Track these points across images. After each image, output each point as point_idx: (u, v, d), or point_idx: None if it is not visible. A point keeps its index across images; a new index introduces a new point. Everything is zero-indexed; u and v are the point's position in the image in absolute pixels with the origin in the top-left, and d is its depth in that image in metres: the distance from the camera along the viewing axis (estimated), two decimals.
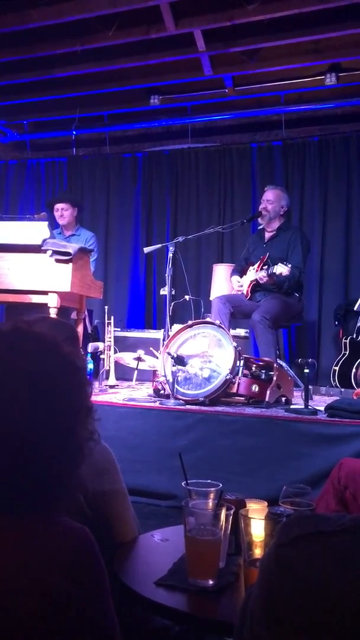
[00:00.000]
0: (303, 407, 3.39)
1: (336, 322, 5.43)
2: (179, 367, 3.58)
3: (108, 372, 4.55)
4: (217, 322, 3.89)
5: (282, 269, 4.08)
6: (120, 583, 1.16)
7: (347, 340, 4.89)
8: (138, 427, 3.44)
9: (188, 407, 3.48)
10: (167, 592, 1.14)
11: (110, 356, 4.58)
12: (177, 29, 4.61)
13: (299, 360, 3.66)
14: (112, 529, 1.32)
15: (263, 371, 3.65)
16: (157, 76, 5.60)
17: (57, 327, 1.53)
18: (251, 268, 4.62)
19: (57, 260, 3.77)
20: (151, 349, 4.54)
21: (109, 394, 4.09)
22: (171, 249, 4.43)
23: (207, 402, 3.53)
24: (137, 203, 6.65)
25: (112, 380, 4.52)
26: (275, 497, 1.37)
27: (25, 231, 3.93)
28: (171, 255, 4.41)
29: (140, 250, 6.28)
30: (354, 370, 4.65)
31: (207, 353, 3.66)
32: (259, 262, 4.54)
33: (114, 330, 4.83)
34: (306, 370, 3.41)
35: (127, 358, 4.55)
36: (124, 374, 4.79)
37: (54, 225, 5.13)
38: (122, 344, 4.99)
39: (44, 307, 3.77)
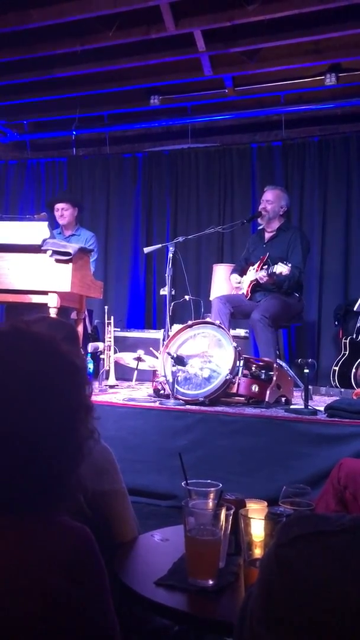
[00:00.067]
0: (303, 407, 3.39)
1: (336, 322, 5.44)
2: (179, 367, 3.58)
3: (108, 372, 4.55)
4: (217, 322, 3.89)
5: (282, 269, 4.08)
6: (120, 583, 1.16)
7: (347, 341, 4.89)
8: (138, 427, 3.44)
9: (188, 407, 3.48)
10: (167, 592, 1.14)
11: (110, 356, 4.58)
12: (177, 29, 4.61)
13: (299, 360, 3.66)
14: (112, 529, 1.32)
15: (263, 371, 3.65)
16: (157, 76, 5.60)
17: (56, 326, 1.53)
18: (251, 268, 4.62)
19: (57, 260, 3.77)
20: (151, 349, 4.54)
21: (109, 394, 4.09)
22: (171, 249, 4.43)
23: (207, 402, 3.53)
24: (137, 203, 6.65)
25: (112, 380, 4.52)
26: (275, 497, 1.37)
27: (25, 231, 3.93)
28: (171, 255, 4.41)
29: (140, 250, 6.28)
30: (353, 370, 4.66)
31: (207, 353, 3.66)
32: (258, 262, 4.54)
33: (114, 330, 4.83)
34: (306, 371, 3.42)
35: (127, 358, 4.55)
36: (123, 374, 4.79)
37: (54, 225, 5.13)
38: (122, 344, 4.99)
39: (44, 307, 3.77)
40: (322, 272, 5.92)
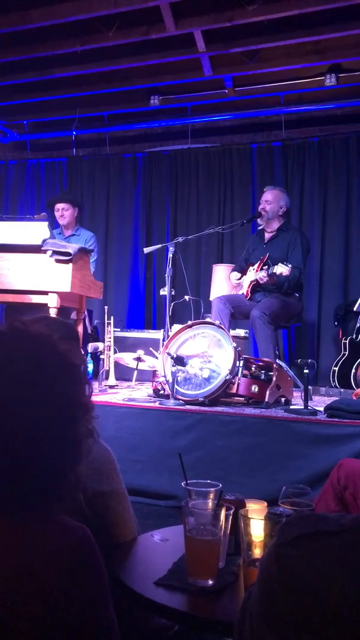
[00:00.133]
0: (302, 407, 3.39)
1: (336, 323, 5.44)
2: (179, 367, 3.58)
3: (108, 372, 4.55)
4: (217, 322, 3.89)
5: (282, 269, 4.08)
6: (119, 583, 1.16)
7: (347, 341, 4.89)
8: (138, 427, 3.44)
9: (188, 407, 3.48)
10: (167, 592, 1.14)
11: (110, 356, 4.58)
12: (178, 29, 4.61)
13: (299, 360, 3.67)
14: (112, 529, 1.32)
15: (263, 371, 3.65)
16: (157, 76, 5.60)
17: (54, 325, 1.53)
18: (251, 268, 4.62)
19: (57, 261, 3.77)
20: (151, 349, 4.54)
21: (109, 394, 4.08)
22: (171, 249, 4.43)
23: (207, 403, 3.53)
24: (137, 203, 6.66)
25: (111, 380, 4.52)
26: (274, 497, 1.37)
27: (25, 231, 3.93)
28: (171, 255, 4.41)
29: (140, 250, 6.29)
30: (353, 370, 4.66)
31: (207, 353, 3.66)
32: (259, 263, 4.54)
33: (114, 331, 4.83)
34: (306, 371, 3.41)
35: (127, 358, 4.55)
36: (123, 374, 4.79)
37: (54, 225, 5.13)
38: (121, 344, 4.99)
39: (44, 307, 3.77)
40: (322, 273, 5.92)
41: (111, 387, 4.43)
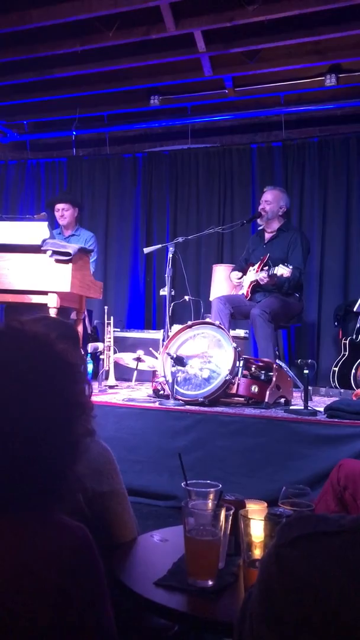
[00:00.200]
0: (302, 407, 3.39)
1: (336, 323, 5.44)
2: (179, 367, 3.57)
3: (107, 372, 4.55)
4: (217, 322, 3.89)
5: (283, 271, 4.07)
6: (119, 583, 1.16)
7: (347, 341, 4.89)
8: (137, 427, 3.44)
9: (187, 407, 3.48)
10: (167, 592, 1.14)
11: (109, 356, 4.58)
12: (178, 29, 4.61)
13: (299, 361, 3.66)
14: (112, 530, 1.32)
15: (262, 372, 3.65)
16: (157, 76, 5.60)
17: (52, 325, 1.53)
18: (251, 269, 4.62)
19: (57, 261, 3.77)
20: (151, 349, 4.54)
21: (109, 394, 4.08)
22: (171, 249, 4.43)
23: (207, 403, 3.52)
24: (137, 203, 6.66)
25: (111, 380, 4.52)
26: (274, 497, 1.37)
27: (25, 231, 3.93)
28: (171, 255, 4.41)
29: (140, 250, 6.29)
30: (353, 371, 4.66)
31: (207, 353, 3.66)
32: (259, 263, 4.54)
33: (114, 331, 4.83)
34: (306, 371, 3.41)
35: (127, 358, 4.55)
36: (123, 374, 4.79)
37: (53, 225, 5.13)
38: (121, 345, 4.99)
39: (44, 307, 3.77)
40: (322, 273, 5.92)
41: (111, 387, 4.43)
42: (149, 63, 5.23)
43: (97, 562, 0.88)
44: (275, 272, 4.15)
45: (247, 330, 4.87)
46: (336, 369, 4.80)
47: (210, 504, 1.27)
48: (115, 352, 4.69)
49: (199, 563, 1.17)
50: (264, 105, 6.06)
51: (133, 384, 4.51)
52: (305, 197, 6.03)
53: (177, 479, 2.91)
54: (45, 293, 3.79)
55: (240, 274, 4.75)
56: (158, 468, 3.28)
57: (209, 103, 6.15)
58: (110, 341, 4.65)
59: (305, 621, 0.63)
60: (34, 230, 3.90)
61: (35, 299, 3.85)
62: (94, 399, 1.39)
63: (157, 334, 5.21)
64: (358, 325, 4.94)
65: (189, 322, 3.93)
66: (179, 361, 3.56)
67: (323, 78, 5.50)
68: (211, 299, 4.86)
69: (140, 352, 4.44)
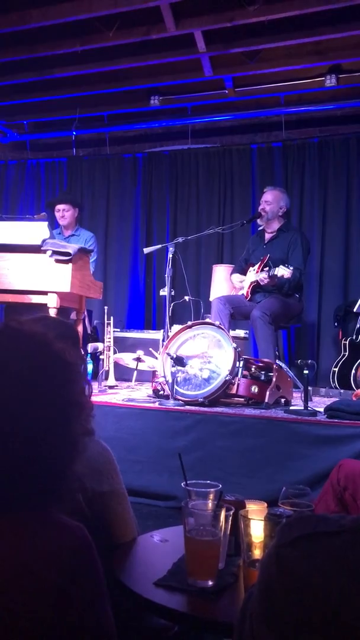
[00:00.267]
0: (302, 408, 3.39)
1: (336, 324, 5.43)
2: (179, 367, 3.57)
3: (107, 372, 4.55)
4: (217, 322, 3.89)
5: (283, 271, 4.07)
6: (119, 583, 1.16)
7: (347, 342, 4.89)
8: (137, 427, 3.44)
9: (187, 407, 3.48)
10: (167, 592, 1.14)
11: (109, 357, 4.58)
12: (178, 29, 4.61)
13: (299, 361, 3.66)
14: (112, 530, 1.32)
15: (262, 372, 3.65)
16: (157, 76, 5.61)
17: (52, 325, 1.53)
18: (251, 269, 4.61)
19: (57, 261, 3.77)
20: (151, 349, 4.54)
21: (108, 394, 4.08)
22: (171, 249, 4.43)
23: (207, 403, 3.52)
24: (137, 203, 6.66)
25: (111, 380, 4.52)
26: (274, 498, 1.37)
27: (25, 231, 3.93)
28: (171, 255, 4.41)
29: (140, 250, 6.29)
30: (353, 371, 4.66)
31: (207, 354, 3.66)
32: (259, 263, 4.53)
33: (114, 331, 4.83)
34: (306, 372, 3.41)
35: (127, 358, 4.55)
36: (123, 374, 4.79)
37: (53, 225, 5.13)
38: (121, 345, 4.99)
39: (44, 307, 3.77)
40: (322, 273, 5.92)
41: (111, 387, 4.43)
42: (149, 63, 5.23)
43: (96, 562, 0.88)
44: (275, 273, 4.15)
45: (247, 331, 4.87)
46: (336, 369, 4.80)
47: (210, 504, 1.27)
48: (115, 352, 4.69)
49: (199, 563, 1.17)
50: (264, 106, 6.06)
51: (133, 384, 4.51)
52: (305, 198, 6.03)
53: (177, 479, 2.91)
54: (45, 293, 3.79)
55: (242, 277, 4.74)
56: (158, 468, 3.28)
57: (209, 103, 6.15)
58: (110, 341, 4.65)
59: (305, 621, 0.63)
60: (34, 230, 3.90)
61: (35, 299, 3.85)
62: (93, 399, 1.39)
63: (157, 334, 5.21)
64: (358, 326, 4.94)
65: (189, 323, 3.93)
66: (179, 361, 3.56)
67: (323, 78, 5.50)
68: (211, 299, 4.86)
69: (140, 353, 4.44)
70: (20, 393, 0.86)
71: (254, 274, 4.52)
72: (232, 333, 4.38)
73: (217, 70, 5.37)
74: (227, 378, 3.50)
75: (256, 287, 4.51)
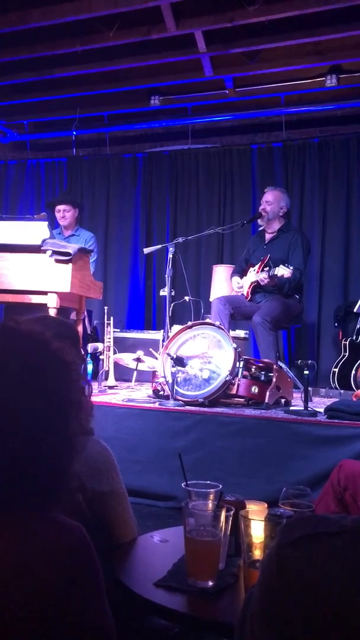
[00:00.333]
0: (302, 408, 3.39)
1: (336, 324, 5.43)
2: (179, 368, 3.57)
3: (107, 372, 4.55)
4: (217, 323, 3.89)
5: (283, 271, 4.07)
6: (119, 584, 1.16)
7: (347, 342, 4.89)
8: (137, 427, 3.44)
9: (187, 408, 3.48)
10: (167, 593, 1.13)
11: (109, 357, 4.58)
12: (178, 29, 4.61)
13: (299, 361, 3.66)
14: (112, 530, 1.32)
15: (262, 372, 3.65)
16: (157, 77, 5.61)
17: (51, 325, 1.53)
18: (251, 269, 4.61)
19: (57, 261, 3.77)
20: (151, 349, 4.54)
21: (108, 394, 4.08)
22: (171, 249, 4.43)
23: (207, 403, 3.52)
24: (137, 204, 6.66)
25: (111, 381, 4.52)
26: (275, 498, 1.37)
27: (25, 231, 3.93)
28: (171, 256, 4.41)
29: (140, 250, 6.29)
30: (353, 372, 4.65)
31: (207, 354, 3.66)
32: (259, 264, 4.53)
33: (114, 331, 4.83)
34: (306, 372, 3.41)
35: (127, 359, 4.55)
36: (123, 374, 4.79)
37: (53, 225, 5.13)
38: (121, 345, 4.99)
39: (44, 307, 3.77)
40: (322, 274, 5.92)
41: (111, 387, 4.42)
42: (149, 63, 5.23)
43: (95, 562, 0.88)
44: (275, 272, 4.15)
45: (247, 331, 4.87)
46: (336, 369, 4.80)
47: (210, 504, 1.26)
48: (115, 353, 4.69)
49: (199, 564, 1.17)
50: (265, 106, 6.06)
51: (133, 385, 4.51)
52: (305, 198, 6.03)
53: (177, 479, 2.91)
54: (45, 293, 3.79)
55: (239, 280, 4.73)
56: (158, 468, 3.28)
57: (209, 103, 6.15)
58: (110, 341, 4.65)
59: (306, 621, 0.63)
60: (34, 230, 3.90)
61: (35, 299, 3.85)
62: (93, 399, 1.39)
63: (157, 335, 5.20)
64: (358, 326, 4.94)
65: (189, 323, 3.92)
66: (179, 362, 3.55)
67: (323, 79, 5.50)
68: (211, 299, 4.86)
69: (140, 353, 4.43)
70: (18, 392, 0.86)
71: (254, 274, 4.52)
72: (232, 333, 4.38)
73: (217, 70, 5.37)
74: (227, 378, 3.49)
75: (256, 287, 4.51)
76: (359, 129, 5.94)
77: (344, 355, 4.85)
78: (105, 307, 4.87)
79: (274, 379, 3.61)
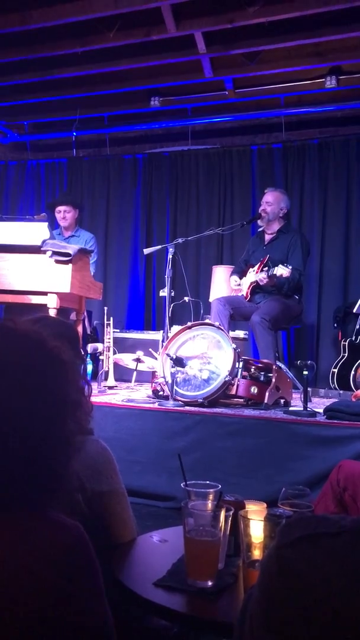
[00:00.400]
0: (302, 409, 3.39)
1: (335, 325, 5.44)
2: (178, 368, 3.57)
3: (107, 373, 4.55)
4: (217, 323, 3.89)
5: (282, 271, 4.08)
6: (119, 584, 1.16)
7: (346, 343, 4.89)
8: (137, 428, 3.44)
9: (187, 408, 3.48)
10: (166, 593, 1.14)
11: (109, 357, 4.58)
12: (178, 30, 4.61)
13: (298, 362, 3.66)
14: (111, 530, 1.32)
15: (262, 373, 3.65)
16: (157, 77, 5.61)
17: (51, 325, 1.53)
18: (251, 270, 4.62)
19: (57, 261, 3.77)
20: (150, 350, 4.54)
21: (108, 395, 4.08)
22: (171, 250, 4.43)
23: (206, 404, 3.52)
24: (137, 204, 6.66)
25: (111, 381, 4.52)
26: (274, 498, 1.37)
27: (25, 232, 3.93)
28: (171, 256, 4.41)
29: (140, 251, 6.29)
30: (352, 372, 4.66)
31: (206, 354, 3.66)
32: (259, 264, 4.54)
33: (113, 331, 4.83)
34: (305, 372, 3.41)
35: (126, 359, 4.55)
36: (123, 375, 4.79)
37: (53, 225, 5.13)
38: (121, 345, 4.99)
39: (44, 307, 3.77)
40: (322, 274, 5.92)
41: (110, 388, 4.43)
42: (149, 64, 5.23)
43: (94, 561, 0.88)
44: (274, 272, 4.15)
45: (247, 332, 4.87)
46: (335, 370, 4.80)
47: (209, 504, 1.27)
48: (114, 353, 4.69)
49: (198, 564, 1.17)
50: (264, 107, 6.06)
51: (132, 385, 4.51)
52: (305, 199, 6.04)
53: (176, 479, 2.91)
54: (45, 293, 3.80)
55: (238, 279, 4.74)
56: (157, 469, 3.28)
57: (209, 104, 6.15)
58: (109, 342, 4.65)
59: (305, 622, 0.63)
60: (34, 231, 3.90)
61: (35, 300, 3.85)
62: (93, 399, 1.39)
63: (156, 335, 5.21)
64: (357, 327, 4.94)
65: (189, 323, 3.93)
66: (179, 362, 3.56)
67: (323, 80, 5.50)
68: (211, 300, 4.86)
69: (139, 353, 4.44)
70: (15, 392, 0.86)
71: (253, 275, 4.52)
72: (232, 334, 4.38)
73: (217, 71, 5.37)
74: (226, 379, 3.50)
75: (256, 288, 4.51)
76: (358, 130, 5.94)
77: (343, 356, 4.85)
78: (105, 308, 4.87)
79: (274, 380, 3.61)
